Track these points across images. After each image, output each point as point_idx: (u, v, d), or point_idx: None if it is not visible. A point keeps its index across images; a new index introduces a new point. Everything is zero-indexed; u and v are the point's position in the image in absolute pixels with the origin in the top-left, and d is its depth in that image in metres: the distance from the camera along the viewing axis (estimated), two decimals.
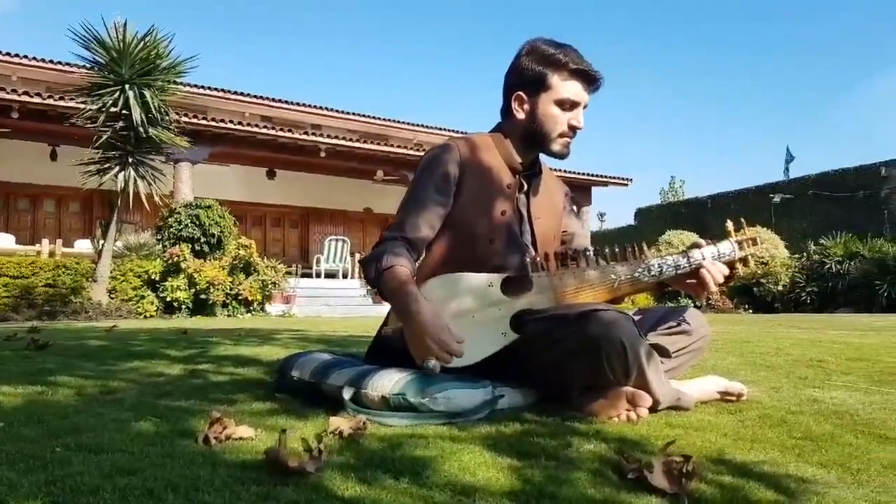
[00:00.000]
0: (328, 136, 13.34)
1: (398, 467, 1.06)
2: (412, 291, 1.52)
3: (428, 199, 1.68)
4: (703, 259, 1.63)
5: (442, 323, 1.49)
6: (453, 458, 1.13)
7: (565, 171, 15.52)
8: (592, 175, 16.64)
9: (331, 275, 13.58)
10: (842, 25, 77.99)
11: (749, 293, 13.70)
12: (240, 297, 9.52)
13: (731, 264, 1.67)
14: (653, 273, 1.61)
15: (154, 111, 8.39)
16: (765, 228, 15.35)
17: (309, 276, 13.53)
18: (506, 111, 1.78)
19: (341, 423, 1.29)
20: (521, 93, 1.73)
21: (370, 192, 16.33)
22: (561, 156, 1.75)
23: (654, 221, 22.04)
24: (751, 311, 13.03)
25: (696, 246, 1.65)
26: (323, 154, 13.18)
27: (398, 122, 17.92)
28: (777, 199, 18.39)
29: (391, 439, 1.26)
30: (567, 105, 1.70)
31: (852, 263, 12.79)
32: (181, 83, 9.23)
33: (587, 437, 1.31)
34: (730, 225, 1.70)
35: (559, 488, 0.99)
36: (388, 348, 1.67)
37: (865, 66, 77.53)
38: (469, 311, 1.58)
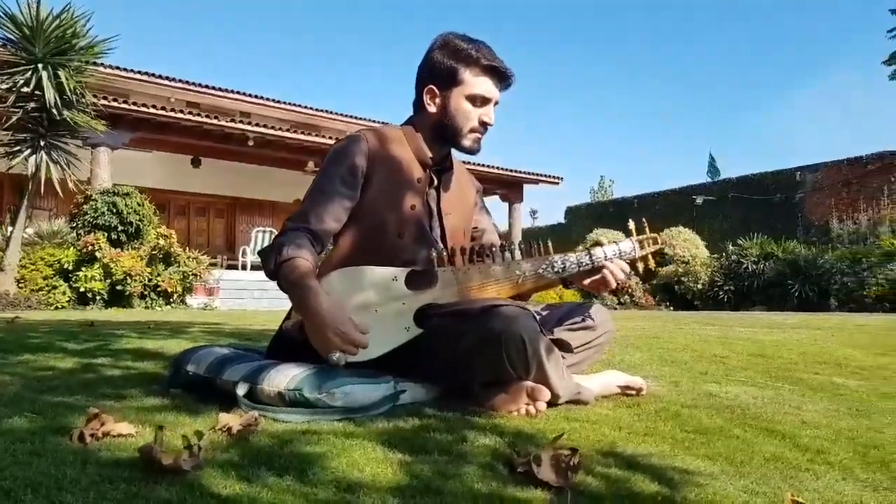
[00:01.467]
0: (257, 125, 13.00)
1: (284, 464, 1.04)
2: (311, 285, 1.48)
3: (334, 190, 1.65)
4: (605, 257, 1.66)
5: (343, 315, 1.46)
6: (344, 454, 1.10)
7: (499, 168, 15.68)
8: (524, 172, 16.81)
9: (258, 267, 13.27)
10: (770, 34, 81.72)
11: (670, 291, 14.19)
12: (159, 289, 9.18)
13: (632, 262, 1.71)
14: (556, 269, 1.64)
15: (69, 92, 8.01)
16: (687, 228, 15.94)
17: (235, 268, 13.20)
18: (417, 104, 1.77)
19: (231, 419, 1.25)
20: (432, 86, 1.72)
21: (301, 183, 15.95)
22: (471, 151, 1.74)
23: (582, 220, 22.51)
24: (671, 308, 13.50)
25: (599, 244, 1.68)
26: (251, 143, 12.84)
27: (331, 112, 17.55)
28: (699, 200, 19.07)
29: (282, 436, 1.23)
30: (478, 101, 1.70)
31: (767, 263, 13.43)
32: (100, 64, 8.84)
33: (484, 431, 1.31)
34: (631, 225, 1.74)
35: (446, 483, 0.98)
36: (289, 343, 1.63)
37: (790, 77, 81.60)
38: (372, 304, 1.56)
